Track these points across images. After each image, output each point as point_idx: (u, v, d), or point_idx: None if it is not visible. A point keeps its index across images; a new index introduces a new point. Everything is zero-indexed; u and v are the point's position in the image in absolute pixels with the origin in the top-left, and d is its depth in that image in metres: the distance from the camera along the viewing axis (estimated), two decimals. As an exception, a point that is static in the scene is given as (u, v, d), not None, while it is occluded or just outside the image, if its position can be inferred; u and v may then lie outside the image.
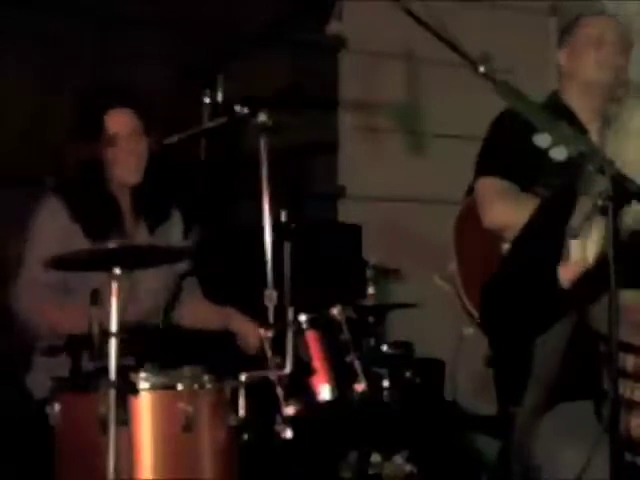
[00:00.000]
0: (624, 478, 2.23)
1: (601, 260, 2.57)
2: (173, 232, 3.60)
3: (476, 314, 3.19)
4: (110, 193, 3.44)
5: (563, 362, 2.78)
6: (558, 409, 2.78)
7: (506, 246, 3.18)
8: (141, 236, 3.48)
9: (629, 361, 2.46)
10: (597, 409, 2.64)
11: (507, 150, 3.24)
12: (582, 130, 3.23)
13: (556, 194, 2.86)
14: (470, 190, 3.35)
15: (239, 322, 3.52)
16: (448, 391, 4.55)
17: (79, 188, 3.39)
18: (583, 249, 2.60)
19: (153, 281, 3.43)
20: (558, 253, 2.69)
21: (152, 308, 3.46)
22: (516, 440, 2.89)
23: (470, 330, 3.27)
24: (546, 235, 2.76)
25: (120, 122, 3.41)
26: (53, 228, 3.33)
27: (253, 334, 3.37)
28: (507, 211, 3.15)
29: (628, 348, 2.40)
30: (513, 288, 2.77)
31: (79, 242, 3.29)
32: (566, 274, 2.67)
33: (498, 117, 3.32)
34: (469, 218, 3.30)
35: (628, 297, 2.21)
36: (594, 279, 2.59)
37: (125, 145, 3.40)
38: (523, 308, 2.74)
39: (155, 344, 3.37)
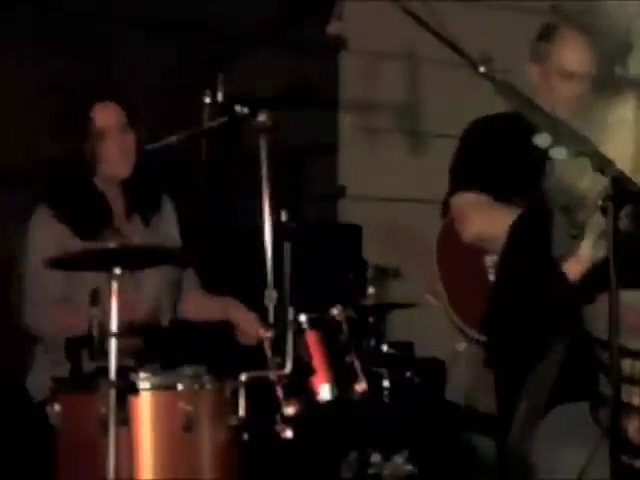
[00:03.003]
0: None
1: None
2: (167, 222, 3.58)
3: (466, 329, 3.22)
4: (98, 190, 3.41)
5: (551, 395, 2.80)
6: (555, 411, 2.78)
7: (489, 258, 3.21)
8: (136, 230, 3.46)
9: (625, 365, 2.46)
10: (593, 411, 2.64)
11: (480, 162, 3.25)
12: None
13: (527, 211, 2.89)
14: (445, 207, 3.38)
15: (239, 312, 3.51)
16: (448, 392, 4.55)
17: (65, 189, 3.36)
18: (590, 246, 2.62)
19: (155, 277, 3.42)
20: (546, 268, 2.71)
21: (155, 305, 3.46)
22: (513, 441, 2.89)
23: (463, 345, 3.30)
24: (528, 253, 2.78)
25: (106, 116, 3.39)
26: (46, 237, 3.30)
27: (253, 324, 3.37)
28: (483, 223, 3.19)
29: (624, 352, 2.40)
30: (508, 310, 2.78)
31: (73, 245, 3.27)
32: (574, 269, 2.69)
33: (467, 129, 3.33)
34: (449, 235, 3.33)
35: (623, 300, 2.21)
36: (600, 274, 2.60)
37: (113, 139, 3.38)
38: (525, 324, 2.76)
39: (156, 344, 3.38)
